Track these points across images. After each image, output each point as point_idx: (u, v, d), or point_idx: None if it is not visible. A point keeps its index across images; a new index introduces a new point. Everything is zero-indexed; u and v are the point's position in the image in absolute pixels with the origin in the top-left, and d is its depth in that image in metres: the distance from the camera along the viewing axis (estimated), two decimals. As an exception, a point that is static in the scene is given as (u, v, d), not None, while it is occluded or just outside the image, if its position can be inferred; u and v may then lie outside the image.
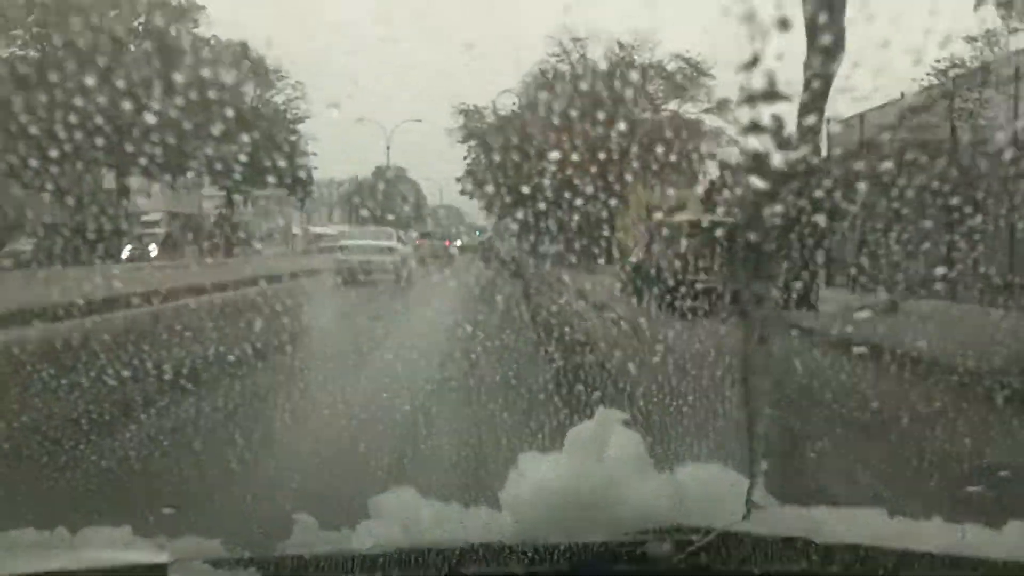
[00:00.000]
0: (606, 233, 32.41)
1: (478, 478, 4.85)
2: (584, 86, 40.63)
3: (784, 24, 1.98)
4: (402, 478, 4.69)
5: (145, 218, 49.75)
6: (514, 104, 48.36)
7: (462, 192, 53.30)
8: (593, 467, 1.98)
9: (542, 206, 29.84)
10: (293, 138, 52.85)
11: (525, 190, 28.04)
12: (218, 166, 34.51)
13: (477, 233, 66.37)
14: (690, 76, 45.94)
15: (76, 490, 5.03)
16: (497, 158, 40.76)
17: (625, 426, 2.09)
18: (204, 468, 5.55)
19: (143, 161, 30.93)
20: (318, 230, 74.58)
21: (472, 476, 5.02)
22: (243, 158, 33.87)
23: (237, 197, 54.50)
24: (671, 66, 46.11)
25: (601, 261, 29.59)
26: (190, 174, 41.94)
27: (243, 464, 5.58)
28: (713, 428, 5.73)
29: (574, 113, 33.74)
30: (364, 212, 64.92)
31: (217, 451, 6.04)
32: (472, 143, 51.53)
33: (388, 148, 55.40)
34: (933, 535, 1.99)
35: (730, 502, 1.94)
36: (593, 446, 2.04)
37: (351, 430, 6.60)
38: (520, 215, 33.01)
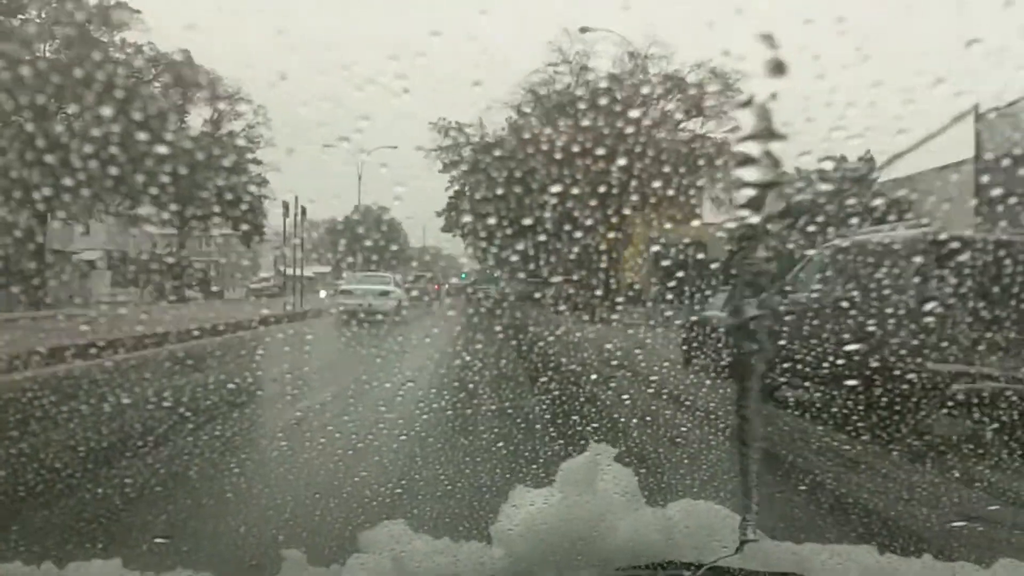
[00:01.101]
0: (612, 274, 30.91)
1: (469, 512, 4.83)
2: (587, 102, 36.93)
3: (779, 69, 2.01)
4: (393, 511, 4.67)
5: (78, 257, 45.20)
6: (507, 122, 43.17)
7: (444, 229, 48.32)
8: (584, 501, 1.99)
9: (538, 242, 27.55)
10: (254, 169, 48.01)
11: (514, 225, 26.00)
12: (150, 198, 30.57)
13: (463, 276, 62.65)
14: (714, 89, 38.67)
15: (66, 522, 4.99)
16: (484, 189, 36.12)
17: (617, 461, 2.10)
18: (196, 500, 5.53)
19: (60, 190, 25.35)
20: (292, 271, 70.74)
21: (463, 510, 5.00)
22: (180, 189, 31.15)
23: (199, 235, 50.58)
24: (691, 77, 39.70)
25: (607, 309, 27.61)
26: (121, 207, 37.26)
27: (235, 496, 5.56)
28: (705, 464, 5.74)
29: (575, 134, 30.69)
30: (344, 254, 60.36)
31: (209, 484, 6.02)
32: (454, 173, 45.71)
33: (360, 178, 47.39)
34: (921, 572, 2.00)
35: (722, 537, 1.94)
36: (585, 480, 2.04)
37: (344, 462, 6.58)
38: (513, 255, 30.36)
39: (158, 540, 4.22)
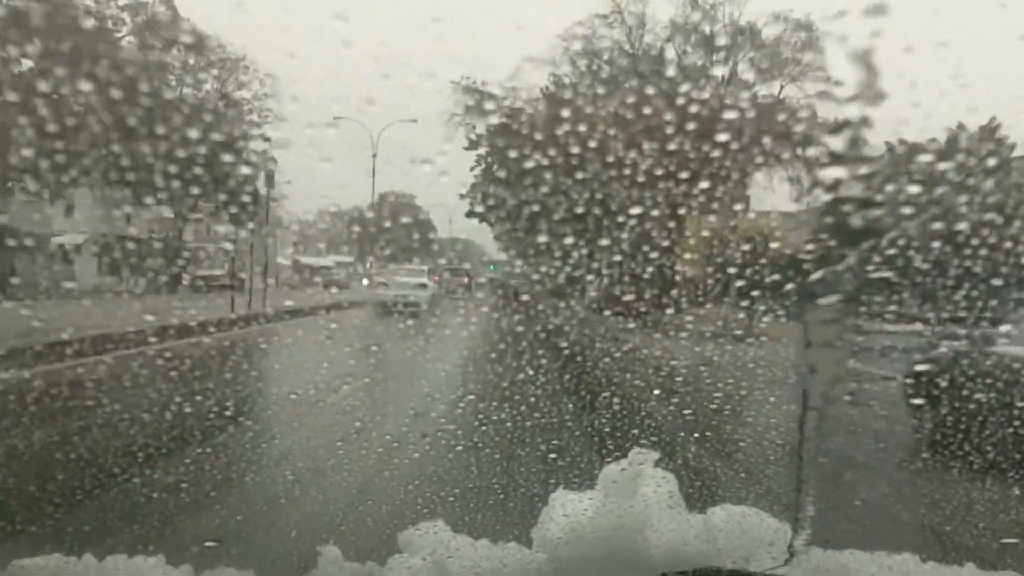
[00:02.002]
0: (669, 270, 27.17)
1: (509, 514, 4.81)
2: (644, 61, 31.84)
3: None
4: (433, 512, 4.66)
5: (59, 239, 40.01)
6: (549, 82, 35.64)
7: (469, 214, 41.51)
8: (626, 506, 1.96)
9: (577, 230, 24.31)
10: (262, 147, 41.36)
11: (548, 211, 23.26)
12: (138, 174, 24.48)
13: (491, 268, 58.86)
14: (797, 44, 31.99)
15: (108, 519, 5.05)
16: (513, 167, 29.44)
17: (658, 465, 2.07)
18: (241, 502, 5.57)
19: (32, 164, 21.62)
20: (310, 261, 66.24)
21: (503, 512, 4.98)
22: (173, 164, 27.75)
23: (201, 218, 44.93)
24: (768, 31, 32.30)
25: (663, 312, 24.11)
26: (103, 183, 31.19)
27: (278, 496, 5.59)
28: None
29: (626, 99, 25.74)
30: (368, 244, 57.13)
31: (251, 486, 6.06)
32: (480, 151, 38.21)
33: (374, 156, 40.87)
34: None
35: (770, 545, 1.91)
36: (627, 485, 2.02)
37: (383, 462, 6.60)
38: (547, 245, 26.68)
39: (208, 544, 4.24)
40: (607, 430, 7.95)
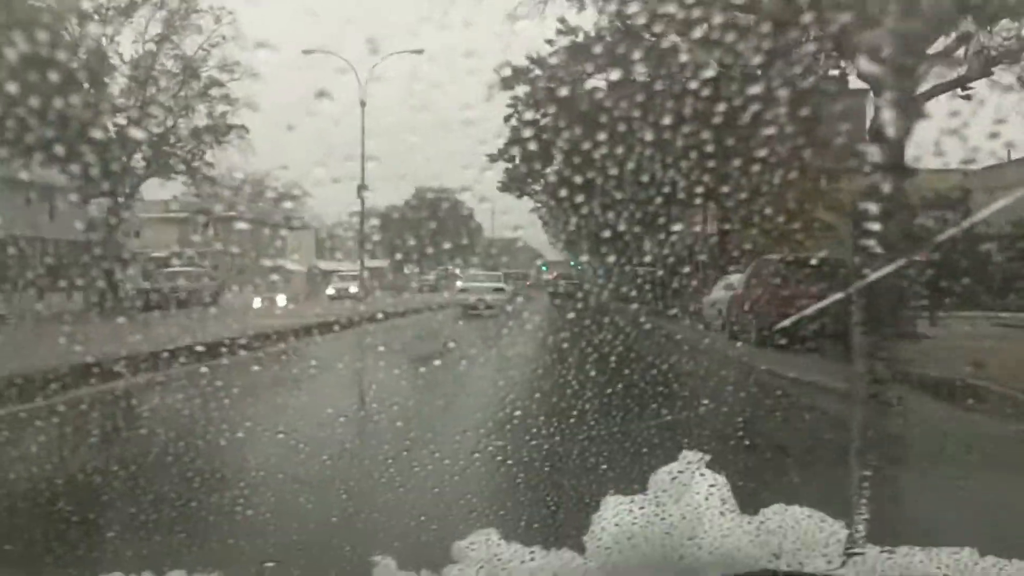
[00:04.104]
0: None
1: (561, 521, 4.81)
2: None
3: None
4: (485, 521, 4.68)
5: None
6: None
7: (503, 186, 32.88)
8: (676, 511, 1.96)
9: (654, 215, 20.73)
10: (221, 109, 35.86)
11: (613, 187, 18.28)
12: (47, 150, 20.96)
13: (543, 268, 55.25)
14: None
15: (162, 538, 5.13)
16: (567, 122, 22.30)
17: (709, 468, 2.07)
18: (297, 515, 5.62)
19: None
20: (330, 267, 60.03)
21: (555, 519, 4.98)
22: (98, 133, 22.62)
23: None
24: None
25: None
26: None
27: (333, 510, 5.64)
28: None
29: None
30: (405, 247, 52.37)
31: (301, 498, 6.11)
32: (519, 91, 28.45)
33: (363, 105, 32.81)
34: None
35: (825, 547, 1.90)
36: (676, 489, 2.02)
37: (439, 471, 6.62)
38: (609, 234, 22.38)
39: (267, 564, 4.29)
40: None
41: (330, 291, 45.21)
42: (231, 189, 49.01)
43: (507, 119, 29.35)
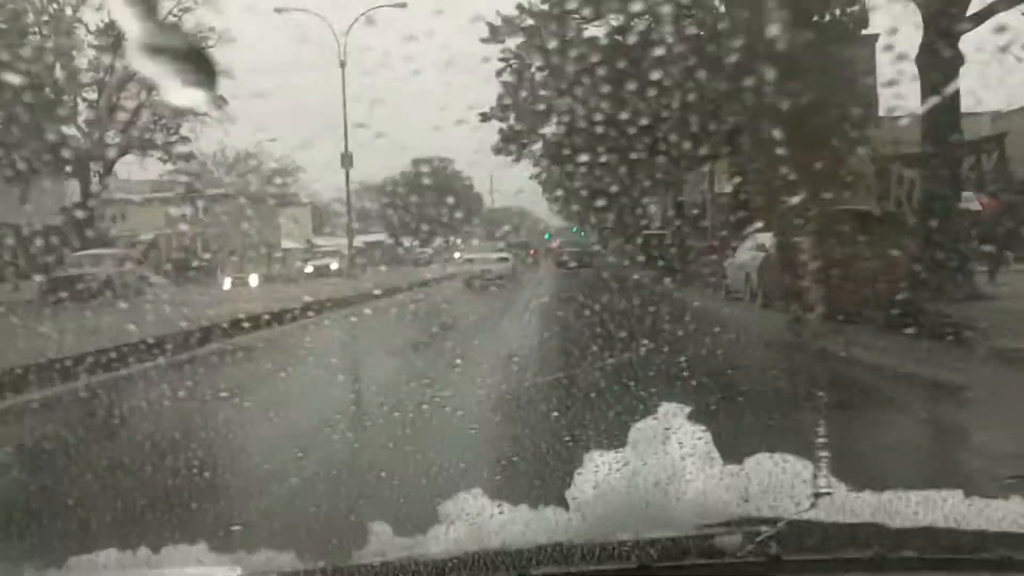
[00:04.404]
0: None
1: (546, 478, 4.86)
2: None
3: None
4: (472, 481, 4.72)
5: None
6: None
7: (498, 148, 30.19)
8: (656, 462, 1.99)
9: (666, 179, 19.02)
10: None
11: (623, 147, 16.69)
12: None
13: (547, 236, 54.28)
14: None
15: (144, 511, 5.14)
16: (569, 72, 20.16)
17: (689, 420, 2.09)
18: (274, 481, 5.65)
19: None
20: (327, 244, 56.62)
21: (539, 476, 5.03)
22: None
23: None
24: None
25: None
26: None
27: (310, 475, 5.68)
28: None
29: None
30: (405, 220, 51.82)
31: (284, 464, 6.14)
32: (510, 43, 26.35)
33: (343, 65, 32.80)
34: (1009, 514, 1.96)
35: (796, 491, 1.93)
36: (657, 441, 2.05)
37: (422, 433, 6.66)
38: (619, 198, 20.79)
39: (234, 528, 4.31)
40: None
41: (308, 269, 43.08)
42: (223, 166, 47.94)
43: (499, 73, 27.20)
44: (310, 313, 18.67)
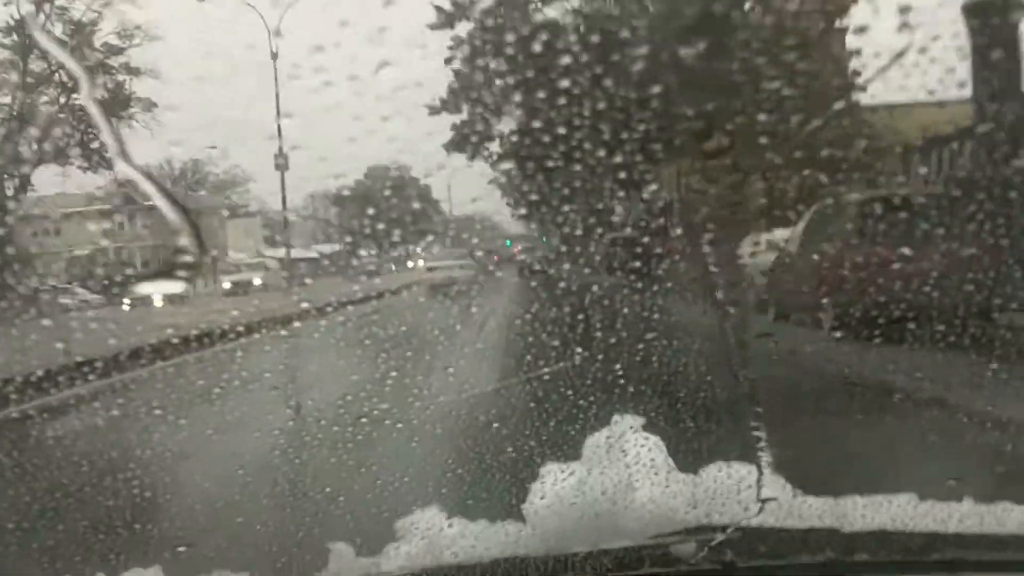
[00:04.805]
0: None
1: (502, 493, 4.85)
2: None
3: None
4: (428, 498, 4.70)
5: None
6: None
7: (452, 145, 26.67)
8: (610, 474, 2.00)
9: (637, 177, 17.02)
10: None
11: (585, 138, 13.98)
12: None
13: (507, 243, 52.20)
14: None
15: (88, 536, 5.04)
16: (521, 57, 17.72)
17: (642, 431, 2.11)
18: (227, 500, 5.59)
19: None
20: (278, 255, 50.76)
21: (496, 491, 5.02)
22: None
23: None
24: None
25: None
26: None
27: (268, 495, 5.62)
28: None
29: None
30: (361, 229, 48.42)
31: (234, 482, 6.07)
32: (461, 30, 23.91)
33: (274, 58, 26.53)
34: (964, 516, 1.98)
35: (742, 498, 1.95)
36: (610, 453, 2.06)
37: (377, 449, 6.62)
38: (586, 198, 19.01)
39: (180, 549, 4.25)
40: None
41: (225, 284, 36.87)
42: (169, 178, 46.69)
43: (447, 61, 24.07)
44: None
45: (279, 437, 7.91)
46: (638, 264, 19.68)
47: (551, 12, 20.30)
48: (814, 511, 1.97)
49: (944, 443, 6.11)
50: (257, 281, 36.94)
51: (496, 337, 13.99)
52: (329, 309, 18.67)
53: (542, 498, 2.01)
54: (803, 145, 17.27)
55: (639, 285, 16.95)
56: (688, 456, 2.18)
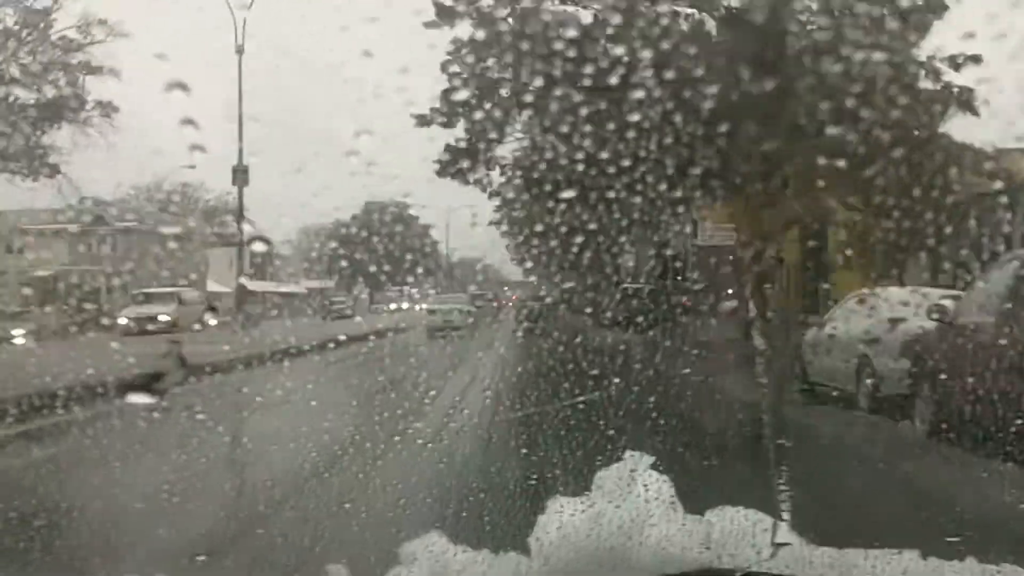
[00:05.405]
0: None
1: (508, 523, 4.84)
2: None
3: None
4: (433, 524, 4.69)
5: None
6: None
7: (443, 170, 22.80)
8: (620, 510, 2.00)
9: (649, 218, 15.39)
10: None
11: (596, 172, 12.84)
12: None
13: (505, 290, 53.07)
14: None
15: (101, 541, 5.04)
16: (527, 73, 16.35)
17: (653, 469, 2.10)
18: (236, 516, 5.59)
19: None
20: (262, 288, 50.19)
21: (502, 521, 5.00)
22: None
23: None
24: None
25: None
26: None
27: (274, 511, 5.61)
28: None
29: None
30: (354, 267, 47.68)
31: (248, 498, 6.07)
32: (463, 30, 20.84)
33: (240, 52, 26.00)
34: (966, 573, 1.97)
35: (756, 542, 1.95)
36: (620, 489, 2.06)
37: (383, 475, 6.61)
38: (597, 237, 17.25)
39: (199, 558, 4.25)
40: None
41: (122, 320, 31.01)
42: (152, 200, 44.98)
43: (444, 67, 20.95)
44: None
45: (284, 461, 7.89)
46: (652, 318, 19.13)
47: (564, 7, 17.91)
48: (825, 560, 1.96)
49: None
50: (164, 317, 30.03)
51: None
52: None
53: (558, 528, 2.00)
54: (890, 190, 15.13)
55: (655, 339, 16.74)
56: (700, 497, 2.17)
